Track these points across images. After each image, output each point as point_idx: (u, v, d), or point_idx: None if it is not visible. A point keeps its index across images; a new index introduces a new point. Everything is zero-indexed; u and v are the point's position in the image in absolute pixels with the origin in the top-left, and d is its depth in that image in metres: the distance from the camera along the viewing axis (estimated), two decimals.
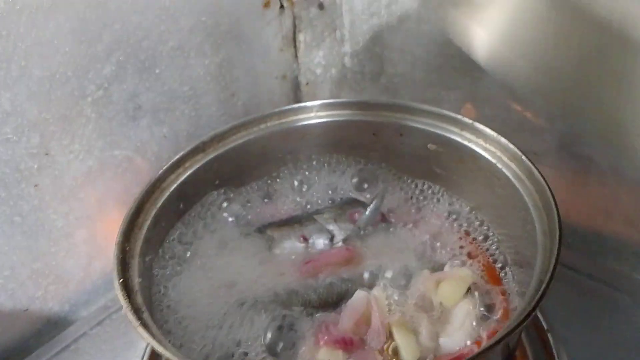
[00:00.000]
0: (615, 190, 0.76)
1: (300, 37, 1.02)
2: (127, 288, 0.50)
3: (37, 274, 0.76)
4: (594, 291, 0.77)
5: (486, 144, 0.64)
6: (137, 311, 0.48)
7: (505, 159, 0.62)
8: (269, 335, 0.58)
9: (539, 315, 0.72)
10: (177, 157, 0.65)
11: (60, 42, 0.68)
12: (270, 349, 0.57)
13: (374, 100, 0.71)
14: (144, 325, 0.46)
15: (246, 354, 0.56)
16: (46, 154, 0.72)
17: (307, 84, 1.05)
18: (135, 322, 0.45)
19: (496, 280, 0.65)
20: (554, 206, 0.52)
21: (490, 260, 0.67)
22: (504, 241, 0.66)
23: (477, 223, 0.70)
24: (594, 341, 0.69)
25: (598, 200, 0.80)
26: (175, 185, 0.64)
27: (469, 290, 0.62)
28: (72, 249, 0.79)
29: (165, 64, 0.80)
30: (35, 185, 0.72)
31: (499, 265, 0.66)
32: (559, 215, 0.51)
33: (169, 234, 0.65)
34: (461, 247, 0.68)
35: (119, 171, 0.81)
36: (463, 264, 0.66)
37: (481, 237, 0.69)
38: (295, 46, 1.03)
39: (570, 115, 0.74)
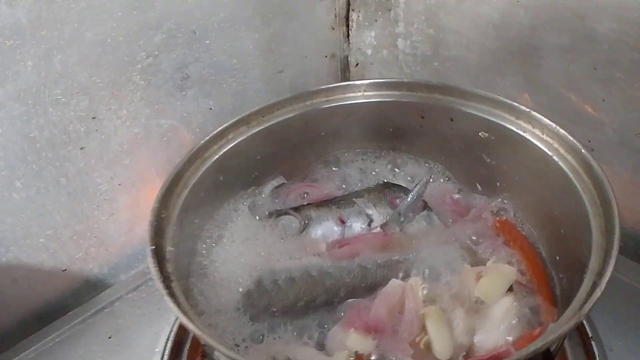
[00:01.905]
0: None
1: (354, 15, 0.99)
2: (158, 255, 0.50)
3: (79, 236, 0.78)
4: None
5: (542, 135, 0.61)
6: (165, 279, 0.47)
7: (562, 151, 0.58)
8: (299, 314, 0.57)
9: (584, 322, 0.68)
10: (220, 128, 0.64)
11: (113, 7, 0.68)
12: (300, 328, 0.56)
13: (425, 81, 0.68)
14: (171, 294, 0.45)
15: (273, 327, 0.55)
16: (94, 118, 0.73)
17: (356, 64, 1.03)
18: (163, 290, 0.45)
19: (542, 280, 0.61)
20: (614, 203, 0.48)
21: (538, 259, 0.63)
22: (553, 239, 0.62)
23: (527, 219, 0.66)
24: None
25: None
26: (216, 157, 0.64)
27: (511, 288, 0.59)
28: (115, 214, 0.80)
29: (215, 35, 0.80)
30: (82, 148, 0.73)
31: (547, 264, 0.62)
32: (618, 214, 0.47)
33: (209, 206, 0.64)
34: (507, 243, 0.65)
35: (163, 140, 0.81)
36: (508, 261, 0.63)
37: (529, 234, 0.65)
38: (347, 25, 1.01)
39: (633, 107, 0.69)
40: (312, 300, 0.60)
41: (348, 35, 1.02)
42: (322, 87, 0.71)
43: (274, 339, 0.56)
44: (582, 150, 0.55)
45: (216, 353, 0.49)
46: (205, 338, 0.41)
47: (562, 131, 0.58)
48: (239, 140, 0.66)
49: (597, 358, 0.65)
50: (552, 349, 0.50)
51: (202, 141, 0.62)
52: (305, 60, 0.97)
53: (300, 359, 0.51)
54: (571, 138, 0.57)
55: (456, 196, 0.72)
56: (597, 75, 0.72)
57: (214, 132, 0.63)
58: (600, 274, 0.43)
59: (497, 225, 0.67)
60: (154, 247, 0.49)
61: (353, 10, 0.99)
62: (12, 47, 0.61)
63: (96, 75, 0.70)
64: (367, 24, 0.98)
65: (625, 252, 0.81)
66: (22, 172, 0.69)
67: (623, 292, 0.72)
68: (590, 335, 0.67)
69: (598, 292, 0.41)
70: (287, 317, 0.57)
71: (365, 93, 0.71)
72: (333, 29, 0.99)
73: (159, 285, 0.45)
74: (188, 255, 0.59)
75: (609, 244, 0.46)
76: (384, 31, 0.96)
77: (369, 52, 1.00)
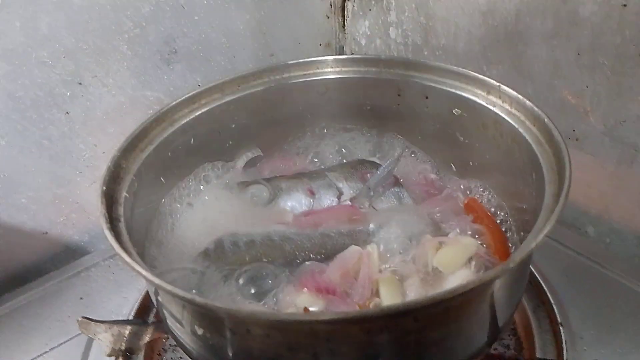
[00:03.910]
0: None
1: (349, 5, 1.01)
2: (110, 198, 0.50)
3: (60, 200, 0.80)
4: (625, 294, 0.69)
5: (511, 108, 0.60)
6: (113, 219, 0.48)
7: (528, 123, 0.57)
8: (253, 273, 0.57)
9: (554, 308, 0.67)
10: (193, 92, 0.65)
11: None
12: (253, 286, 0.56)
13: (402, 58, 0.69)
14: (113, 229, 0.46)
15: (226, 278, 0.55)
16: (79, 83, 0.75)
17: (351, 54, 1.03)
18: (104, 224, 0.45)
19: (505, 256, 0.60)
20: (567, 165, 0.46)
21: (502, 235, 0.62)
22: (518, 216, 0.61)
23: (498, 196, 0.65)
24: (611, 341, 0.63)
25: None
26: (187, 120, 0.64)
27: (470, 261, 0.58)
28: (97, 182, 0.80)
29: (204, 11, 0.82)
30: (67, 113, 0.75)
31: (511, 238, 0.61)
32: (570, 177, 0.46)
33: (178, 168, 0.65)
34: (474, 221, 0.64)
35: (149, 112, 0.82)
36: (471, 235, 0.62)
37: (494, 210, 0.64)
38: (343, 15, 1.02)
39: (617, 94, 0.68)
40: (269, 263, 0.59)
41: (344, 25, 1.03)
42: (300, 60, 0.71)
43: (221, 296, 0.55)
44: (545, 120, 0.54)
45: (165, 312, 0.49)
46: (136, 267, 0.41)
47: (528, 102, 0.57)
48: (213, 106, 0.67)
49: (565, 345, 0.63)
50: (498, 318, 0.49)
51: (173, 102, 0.63)
52: (299, 46, 0.98)
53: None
54: (536, 109, 0.56)
55: (430, 176, 0.71)
56: (581, 61, 0.71)
57: (186, 96, 0.64)
58: (537, 232, 0.42)
59: (466, 203, 0.66)
60: (105, 188, 0.50)
61: (348, 0, 1.00)
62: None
63: (82, 41, 0.73)
64: (361, 13, 0.99)
65: (612, 248, 0.79)
66: (5, 130, 0.71)
67: (599, 283, 0.71)
68: (559, 322, 0.65)
69: (529, 244, 0.40)
70: (242, 274, 0.57)
71: (342, 68, 0.71)
72: (328, 17, 1.00)
73: (102, 221, 0.46)
74: (148, 213, 0.59)
75: (556, 205, 0.45)
76: (377, 20, 0.96)
77: (363, 42, 1.01)
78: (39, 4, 0.67)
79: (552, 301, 0.67)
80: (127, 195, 0.53)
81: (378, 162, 0.72)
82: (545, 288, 0.69)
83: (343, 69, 0.71)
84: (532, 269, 0.69)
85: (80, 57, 0.73)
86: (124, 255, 0.42)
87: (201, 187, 0.67)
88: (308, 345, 0.40)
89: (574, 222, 0.82)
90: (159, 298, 0.48)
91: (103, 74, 0.76)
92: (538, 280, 0.70)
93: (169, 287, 0.40)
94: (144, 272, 0.40)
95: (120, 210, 0.50)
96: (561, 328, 0.64)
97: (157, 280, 0.39)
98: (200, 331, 0.43)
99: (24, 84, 0.70)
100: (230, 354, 0.43)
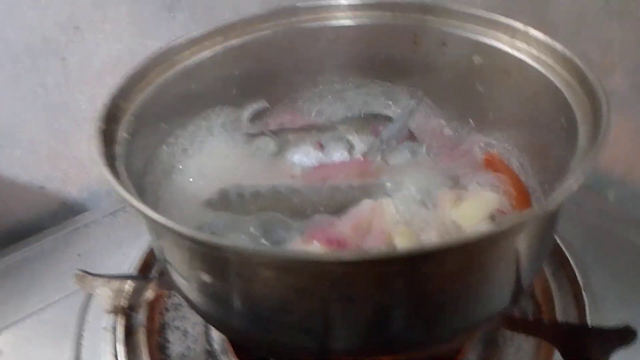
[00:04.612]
0: None
1: None
2: (107, 137, 0.47)
3: (57, 154, 0.76)
4: None
5: (539, 53, 0.55)
6: (109, 158, 0.44)
7: (557, 68, 0.53)
8: (261, 223, 0.54)
9: (575, 270, 0.63)
10: (193, 34, 0.61)
11: None
12: (263, 235, 0.52)
13: (417, 1, 0.64)
14: (111, 166, 0.42)
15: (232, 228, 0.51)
16: (76, 28, 0.71)
17: None
18: (102, 161, 0.42)
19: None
20: (605, 108, 0.42)
21: (525, 190, 0.58)
22: (541, 171, 0.57)
23: (518, 150, 0.61)
24: (636, 303, 0.60)
25: None
26: (187, 62, 0.60)
27: (492, 217, 0.55)
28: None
29: None
30: (62, 59, 0.71)
31: (536, 196, 0.57)
32: (608, 115, 0.42)
33: (178, 113, 0.61)
34: (493, 173, 0.60)
35: None
36: (491, 189, 0.58)
37: (519, 166, 0.60)
38: None
39: None
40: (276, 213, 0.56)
41: None
42: (309, 4, 0.67)
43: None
44: (577, 62, 0.49)
45: (168, 261, 0.46)
46: (135, 204, 0.38)
47: (558, 45, 0.53)
48: (215, 51, 0.63)
49: (588, 308, 0.60)
50: (522, 275, 0.45)
51: (173, 43, 0.59)
52: None
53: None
54: (567, 52, 0.51)
55: (446, 130, 0.67)
56: (610, 7, 0.66)
57: (187, 37, 0.60)
58: (574, 175, 0.38)
59: (486, 159, 0.62)
60: (103, 126, 0.46)
61: None
62: None
63: None
64: None
65: (636, 213, 0.76)
66: None
67: (620, 246, 0.68)
68: (582, 286, 0.62)
69: (569, 186, 0.36)
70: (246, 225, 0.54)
71: (354, 13, 0.66)
72: None
73: (99, 159, 0.42)
74: (146, 156, 0.55)
75: (593, 146, 0.41)
76: None
77: None
78: None
79: (573, 264, 0.64)
80: (126, 135, 0.49)
81: (391, 115, 0.68)
82: (565, 250, 0.66)
83: (356, 13, 0.67)
84: None
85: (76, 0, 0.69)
86: (123, 193, 0.38)
87: (203, 135, 0.64)
88: (320, 290, 0.36)
89: (595, 184, 0.78)
90: (162, 243, 0.45)
91: (100, 19, 0.72)
92: (557, 242, 0.67)
93: (173, 224, 0.36)
94: (144, 210, 0.37)
95: (119, 150, 0.47)
96: (583, 291, 0.61)
97: (160, 218, 0.36)
98: (205, 277, 0.40)
99: (15, 26, 0.66)
100: (236, 302, 0.40)
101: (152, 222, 0.38)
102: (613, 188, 0.78)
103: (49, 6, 0.67)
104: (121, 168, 0.44)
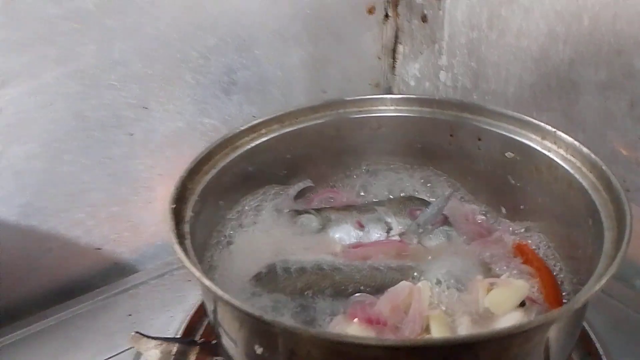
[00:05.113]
0: None
1: (400, 48, 1.04)
2: (178, 216, 0.52)
3: (115, 218, 0.83)
4: None
5: (567, 154, 0.61)
6: (179, 235, 0.50)
7: (584, 169, 0.58)
8: (304, 301, 0.58)
9: (598, 346, 0.65)
10: (254, 122, 0.68)
11: (169, 5, 0.75)
12: (304, 313, 0.57)
13: (456, 99, 0.70)
14: (181, 244, 0.48)
15: (276, 308, 0.56)
16: (144, 107, 0.79)
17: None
18: (174, 239, 0.47)
19: (556, 301, 0.59)
20: (628, 213, 0.47)
21: (554, 280, 0.62)
22: (569, 262, 0.61)
23: (548, 241, 0.65)
24: None
25: None
26: (247, 147, 0.67)
27: (523, 305, 0.58)
28: (152, 202, 0.85)
29: (263, 46, 0.85)
30: (130, 135, 0.79)
31: (564, 287, 0.61)
32: (631, 224, 0.46)
33: (235, 192, 0.68)
34: (524, 262, 0.64)
35: (204, 138, 0.86)
36: (522, 278, 0.61)
37: (548, 256, 0.64)
38: (394, 57, 1.05)
39: None
40: (319, 292, 0.60)
41: (393, 67, 1.06)
42: (356, 97, 0.74)
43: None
44: (603, 167, 0.54)
45: (225, 338, 0.50)
46: (205, 282, 0.43)
47: (585, 149, 0.58)
48: (271, 136, 0.70)
49: None
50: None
51: (236, 131, 0.66)
52: (350, 84, 1.01)
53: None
54: (593, 156, 0.57)
55: (479, 217, 0.72)
56: (635, 113, 0.72)
57: (248, 125, 0.67)
58: (600, 276, 0.42)
59: (516, 246, 0.66)
60: (174, 206, 0.52)
61: (400, 43, 1.03)
62: (78, 30, 0.68)
63: (150, 67, 0.77)
64: (412, 56, 1.02)
65: None
66: (70, 147, 0.75)
67: None
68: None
69: (592, 287, 0.40)
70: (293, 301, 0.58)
71: (396, 107, 0.73)
72: (379, 58, 1.04)
73: (172, 234, 0.48)
74: (207, 232, 0.61)
75: (616, 250, 0.45)
76: (427, 63, 0.99)
77: (412, 83, 1.04)
78: (114, 30, 0.72)
79: (601, 351, 0.66)
80: (192, 213, 0.55)
81: (427, 200, 0.73)
82: (592, 337, 0.68)
83: (397, 107, 0.74)
84: None
85: (146, 83, 0.77)
86: (194, 270, 0.44)
87: (255, 211, 0.69)
88: None
89: (622, 274, 0.81)
90: (218, 315, 0.49)
91: (166, 99, 0.80)
92: (585, 329, 0.69)
93: (239, 303, 0.41)
94: (213, 288, 0.42)
95: (187, 228, 0.52)
96: None
97: (227, 297, 0.41)
98: (259, 350, 0.44)
99: (92, 104, 0.74)
100: None
101: (217, 298, 0.43)
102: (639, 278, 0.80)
103: (122, 88, 0.75)
104: (189, 246, 0.50)
